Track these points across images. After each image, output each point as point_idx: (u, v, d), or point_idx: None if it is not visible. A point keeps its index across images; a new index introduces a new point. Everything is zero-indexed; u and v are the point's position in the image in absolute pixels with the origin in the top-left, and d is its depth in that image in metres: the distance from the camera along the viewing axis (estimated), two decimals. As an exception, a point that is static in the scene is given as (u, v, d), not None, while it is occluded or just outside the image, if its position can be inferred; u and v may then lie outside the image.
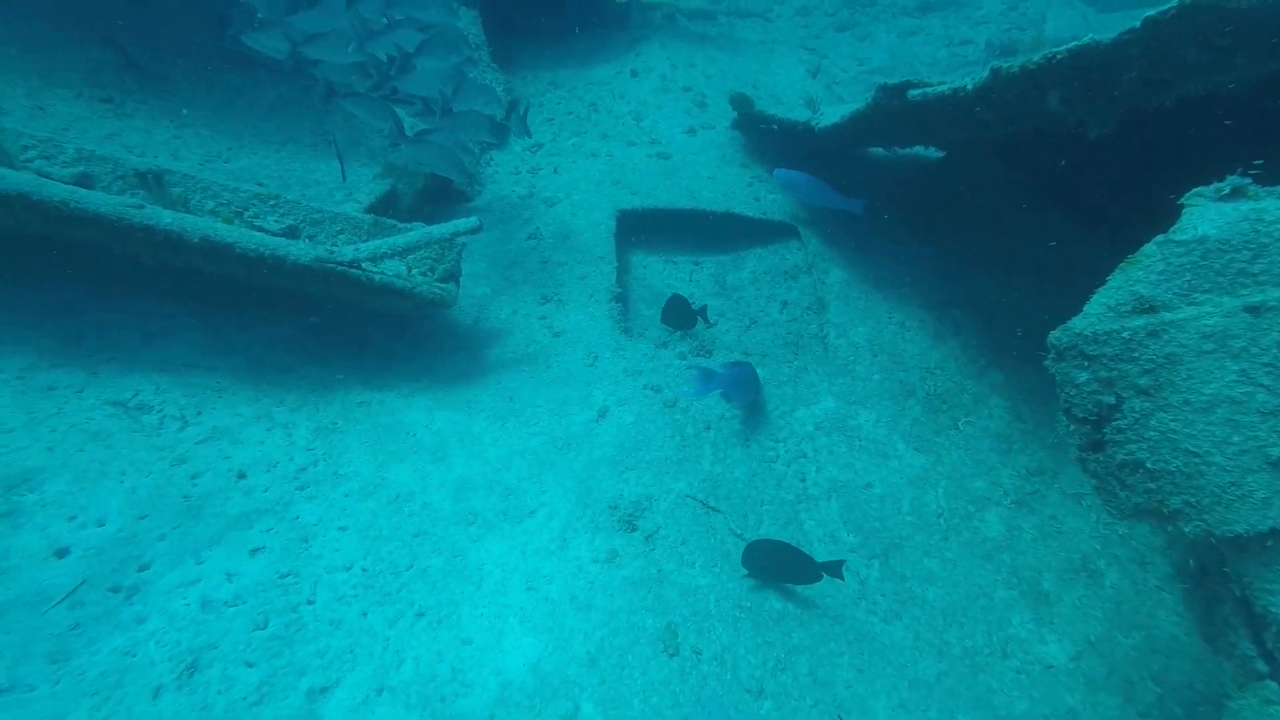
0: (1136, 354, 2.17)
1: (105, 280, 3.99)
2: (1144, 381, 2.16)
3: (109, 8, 4.91)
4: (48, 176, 3.53)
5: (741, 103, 5.50)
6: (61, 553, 2.97)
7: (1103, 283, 2.41)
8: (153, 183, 3.67)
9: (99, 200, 3.30)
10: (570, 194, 5.53)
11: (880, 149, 5.57)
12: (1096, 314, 2.25)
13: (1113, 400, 2.21)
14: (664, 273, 5.40)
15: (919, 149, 5.66)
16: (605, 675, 3.01)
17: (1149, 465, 2.15)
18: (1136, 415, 2.18)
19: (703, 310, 4.64)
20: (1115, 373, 2.20)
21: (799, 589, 3.46)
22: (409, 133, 4.33)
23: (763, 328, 4.91)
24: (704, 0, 7.71)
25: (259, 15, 4.07)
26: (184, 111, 4.83)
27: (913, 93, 3.36)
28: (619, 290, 4.93)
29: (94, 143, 4.19)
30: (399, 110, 4.26)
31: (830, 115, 4.46)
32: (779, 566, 3.40)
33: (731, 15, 7.88)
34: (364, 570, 3.27)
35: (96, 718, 2.59)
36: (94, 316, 3.95)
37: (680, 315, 4.59)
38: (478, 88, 4.38)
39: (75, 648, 2.75)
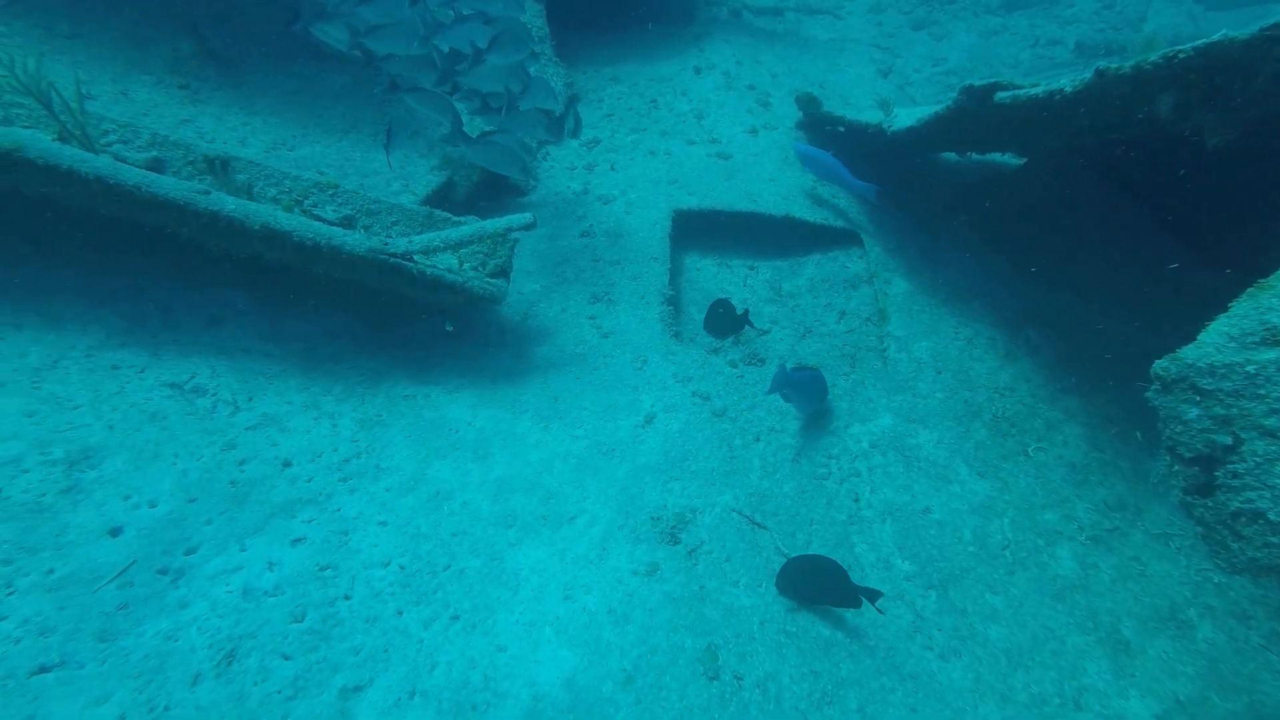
0: (1264, 391, 1.92)
1: (173, 265, 4.08)
2: (1271, 422, 1.91)
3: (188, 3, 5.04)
4: (124, 160, 3.61)
5: (808, 103, 5.29)
6: (115, 531, 3.02)
7: (1209, 309, 2.16)
8: (219, 169, 3.73)
9: (168, 185, 3.35)
10: (626, 192, 5.43)
11: (954, 154, 5.28)
12: (1214, 344, 2.01)
13: (1229, 441, 1.97)
14: (718, 276, 5.25)
15: (995, 155, 5.35)
16: (642, 695, 2.90)
17: (1271, 516, 1.91)
18: (1259, 459, 1.93)
19: (745, 314, 4.46)
20: (1235, 410, 1.96)
21: (848, 616, 3.28)
22: (468, 130, 4.29)
23: (818, 338, 4.71)
24: (774, -6, 7.49)
25: (327, 6, 4.09)
26: (255, 101, 4.91)
27: (1001, 95, 3.12)
28: (671, 292, 4.80)
29: (169, 128, 4.30)
30: (458, 105, 4.23)
31: (905, 118, 4.23)
32: (815, 586, 3.22)
33: (800, 11, 7.63)
34: (401, 568, 3.24)
35: (138, 700, 2.62)
36: (159, 299, 4.04)
37: (724, 323, 4.43)
38: (540, 85, 4.31)
39: (122, 628, 2.79)
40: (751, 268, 5.22)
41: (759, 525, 3.55)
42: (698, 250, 5.37)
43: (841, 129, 5.14)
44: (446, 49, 4.14)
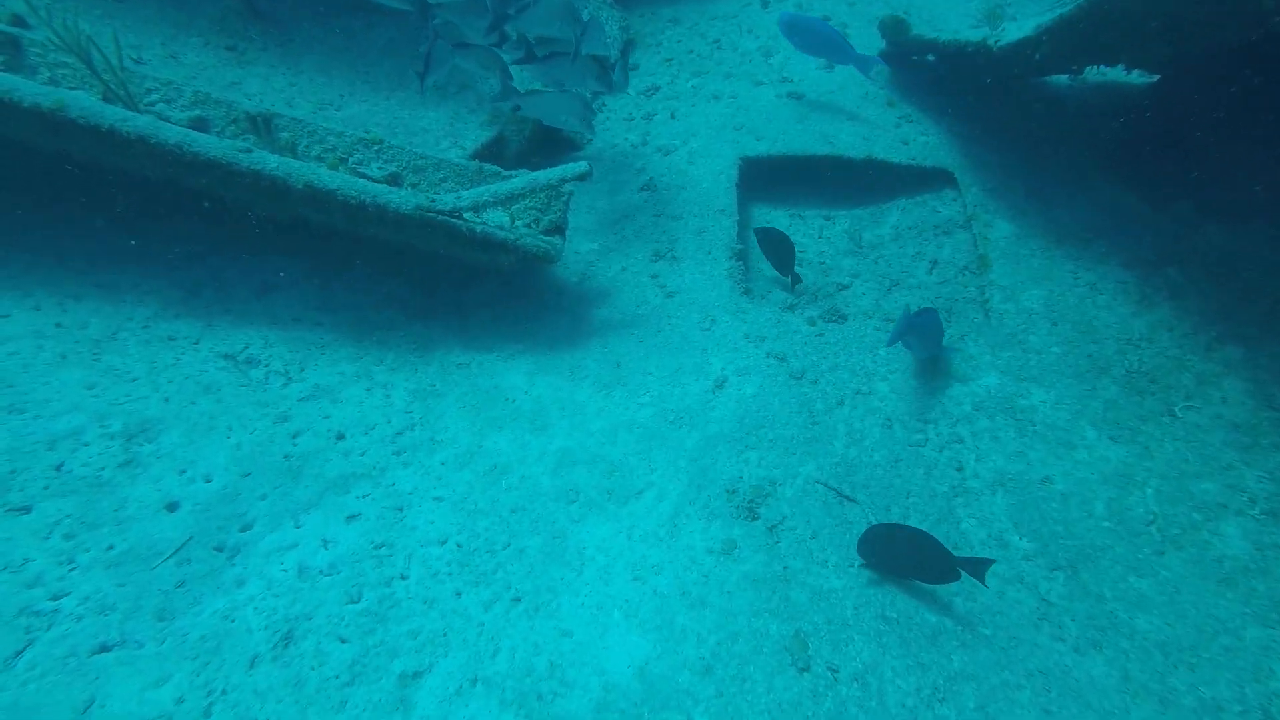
0: None
1: (228, 232, 3.97)
2: None
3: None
4: (166, 120, 3.47)
5: (894, 28, 4.71)
6: (172, 506, 2.93)
7: None
8: (262, 127, 3.54)
9: (210, 144, 3.19)
10: (688, 141, 5.01)
11: (1065, 77, 4.60)
12: None
13: None
14: (790, 228, 4.80)
15: (1114, 74, 4.64)
16: (723, 687, 2.61)
17: None
18: None
19: (797, 276, 4.05)
20: None
21: (957, 603, 2.89)
22: (517, 84, 3.97)
23: (907, 290, 4.23)
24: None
25: None
26: (301, 59, 4.72)
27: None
28: (740, 247, 4.41)
29: (214, 88, 4.15)
30: (505, 57, 3.91)
31: (1016, 30, 3.64)
32: (904, 557, 2.83)
33: None
34: (458, 546, 3.04)
35: (196, 682, 2.51)
36: (214, 267, 3.94)
37: (781, 251, 4.01)
38: (593, 28, 3.94)
39: (180, 606, 2.69)
40: (827, 218, 4.75)
41: (847, 498, 3.18)
42: (768, 201, 4.93)
43: (931, 58, 4.56)
44: None
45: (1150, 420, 3.36)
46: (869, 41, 5.47)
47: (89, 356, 3.33)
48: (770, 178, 4.84)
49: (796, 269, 4.23)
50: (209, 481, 3.04)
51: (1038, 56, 3.51)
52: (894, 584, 2.94)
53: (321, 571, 2.84)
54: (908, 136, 4.71)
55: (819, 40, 4.31)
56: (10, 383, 3.13)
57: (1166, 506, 3.09)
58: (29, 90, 3.02)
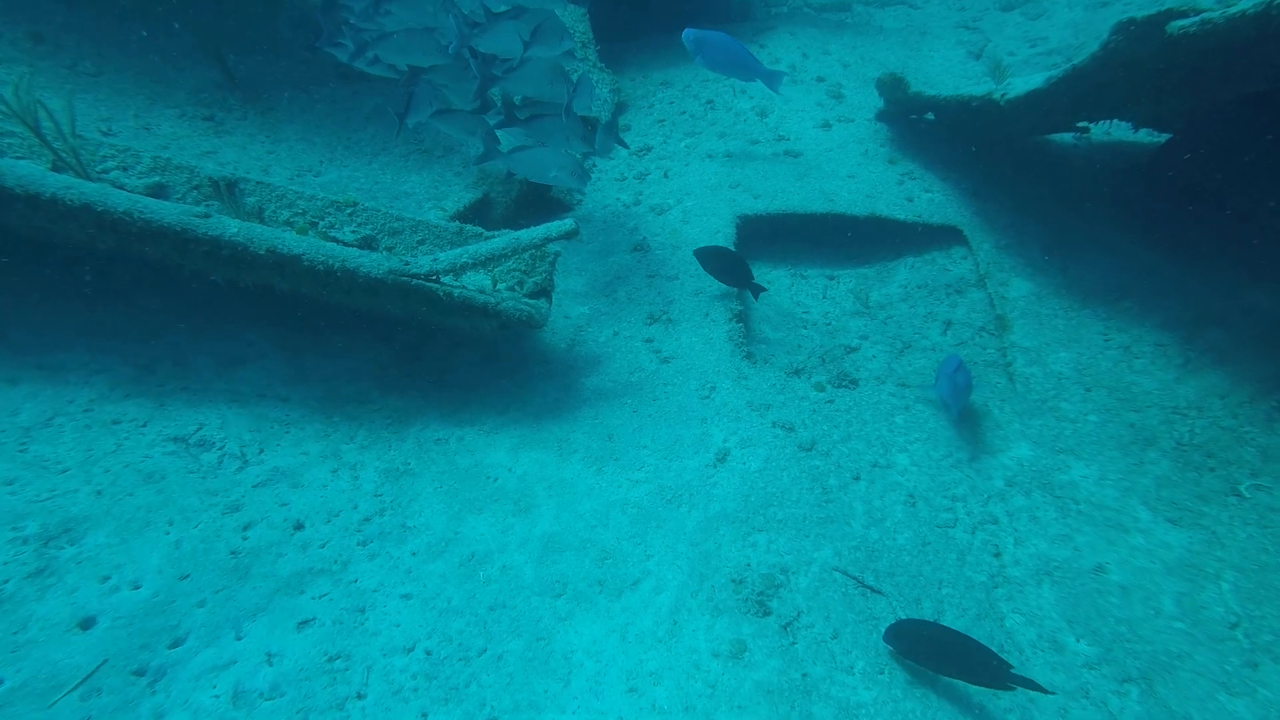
0: None
1: (191, 305, 3.71)
2: None
3: (216, 28, 4.81)
4: (121, 187, 3.26)
5: (892, 86, 4.60)
6: (87, 623, 2.53)
7: None
8: (225, 191, 3.33)
9: (164, 210, 2.95)
10: (682, 200, 4.83)
11: (1070, 136, 4.46)
12: None
13: None
14: (793, 288, 4.56)
15: (1120, 133, 4.49)
16: (733, 837, 2.16)
17: None
18: None
19: (756, 288, 3.84)
20: None
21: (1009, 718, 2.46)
22: (503, 146, 3.80)
23: (920, 353, 3.93)
24: (837, -8, 6.87)
25: (349, 22, 3.72)
26: (282, 128, 4.59)
27: (1177, 25, 2.35)
28: (739, 308, 4.14)
29: (186, 156, 3.97)
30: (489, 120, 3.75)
31: (1023, 84, 3.47)
32: (944, 653, 2.41)
33: (869, 5, 6.98)
34: (427, 654, 2.63)
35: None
36: (173, 343, 3.65)
37: (728, 267, 3.78)
38: (584, 85, 3.79)
39: (83, 747, 2.26)
40: (831, 277, 4.51)
41: (871, 589, 2.79)
42: (767, 260, 4.70)
43: (930, 116, 4.42)
44: (481, 53, 3.67)
45: (1213, 501, 2.99)
46: (865, 101, 5.39)
47: (14, 448, 3.00)
48: (769, 236, 4.63)
49: (801, 330, 3.96)
50: (137, 589, 2.65)
51: (1047, 109, 3.33)
52: (935, 691, 2.51)
53: (261, 695, 2.43)
54: (912, 193, 4.53)
55: (727, 57, 4.14)
56: None
57: (1251, 606, 2.67)
58: (-32, 158, 2.80)
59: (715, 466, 3.36)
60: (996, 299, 3.91)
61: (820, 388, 3.64)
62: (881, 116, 5.08)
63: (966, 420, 3.42)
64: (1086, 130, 4.23)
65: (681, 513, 3.18)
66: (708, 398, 3.72)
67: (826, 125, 5.18)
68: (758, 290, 3.97)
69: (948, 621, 2.65)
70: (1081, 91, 3.16)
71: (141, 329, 3.64)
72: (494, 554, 3.04)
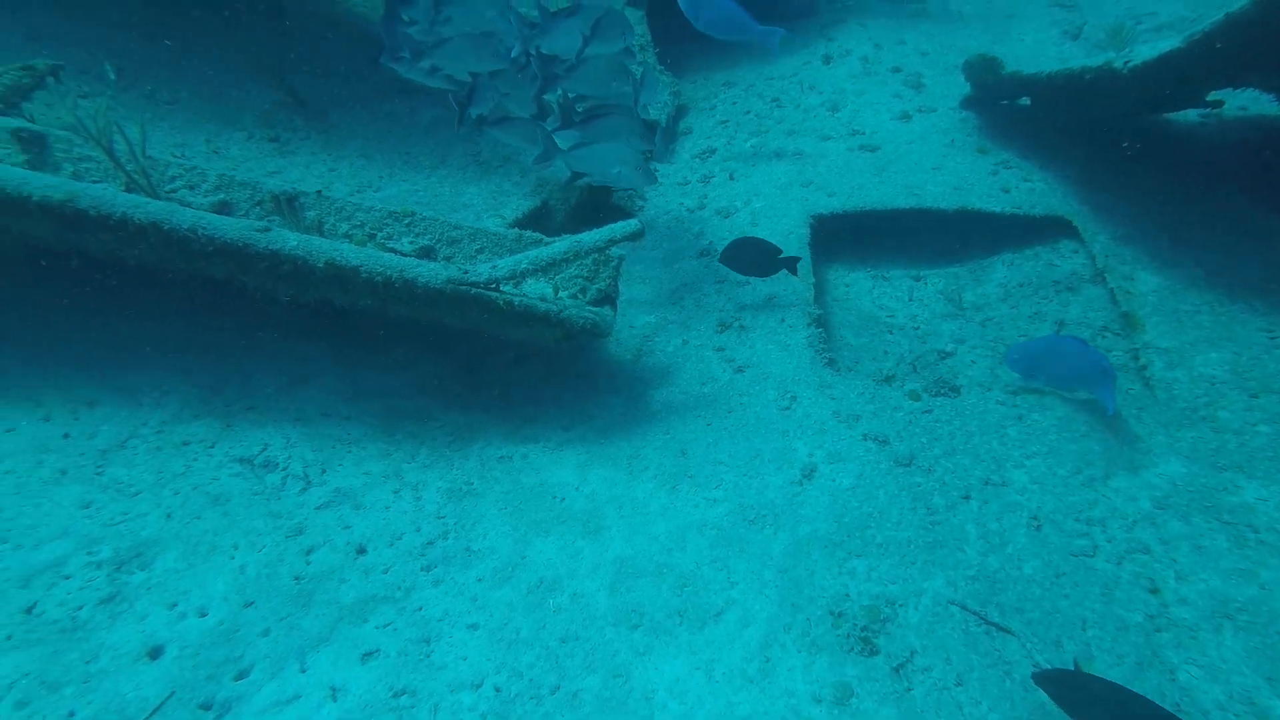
0: None
1: (256, 321, 3.68)
2: None
3: (281, 51, 4.87)
4: (187, 205, 3.25)
5: (982, 69, 4.24)
6: (155, 653, 2.44)
7: None
8: (286, 206, 3.28)
9: (226, 225, 2.90)
10: (750, 201, 4.58)
11: (1194, 113, 3.98)
12: None
13: None
14: (874, 291, 4.23)
15: (1257, 108, 3.98)
16: None
17: None
18: None
19: (791, 261, 3.62)
20: None
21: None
22: (562, 143, 3.64)
23: (1026, 356, 3.53)
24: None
25: (409, 37, 3.66)
26: (344, 145, 4.59)
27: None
28: (818, 312, 3.84)
29: (251, 175, 3.99)
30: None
31: (1151, 49, 3.07)
32: (1112, 714, 2.04)
33: None
34: (496, 690, 2.43)
35: None
36: (240, 362, 3.62)
37: (758, 260, 3.57)
38: (650, 81, 3.61)
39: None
40: (917, 278, 4.16)
41: (998, 628, 2.43)
42: (844, 261, 4.39)
43: (1027, 100, 4.03)
44: (542, 53, 3.54)
45: None
46: (948, 90, 5.03)
47: (91, 471, 2.98)
48: (846, 236, 4.32)
49: (885, 335, 3.63)
50: (203, 616, 2.55)
51: (1180, 75, 2.90)
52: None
53: (324, 732, 2.27)
54: (1008, 184, 4.14)
55: (723, 17, 3.82)
56: None
57: None
58: (39, 183, 2.81)
59: (801, 484, 3.07)
60: (1120, 295, 3.48)
61: (915, 396, 3.30)
62: (968, 104, 4.71)
63: (1094, 429, 3.02)
64: (1219, 105, 3.75)
65: (766, 535, 2.90)
66: (788, 409, 3.44)
67: (906, 116, 4.84)
68: (794, 263, 3.72)
69: (1100, 671, 2.27)
70: (1234, 48, 2.72)
71: (211, 349, 3.63)
72: (563, 580, 2.83)
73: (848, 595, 2.60)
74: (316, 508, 2.99)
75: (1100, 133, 3.92)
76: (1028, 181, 4.13)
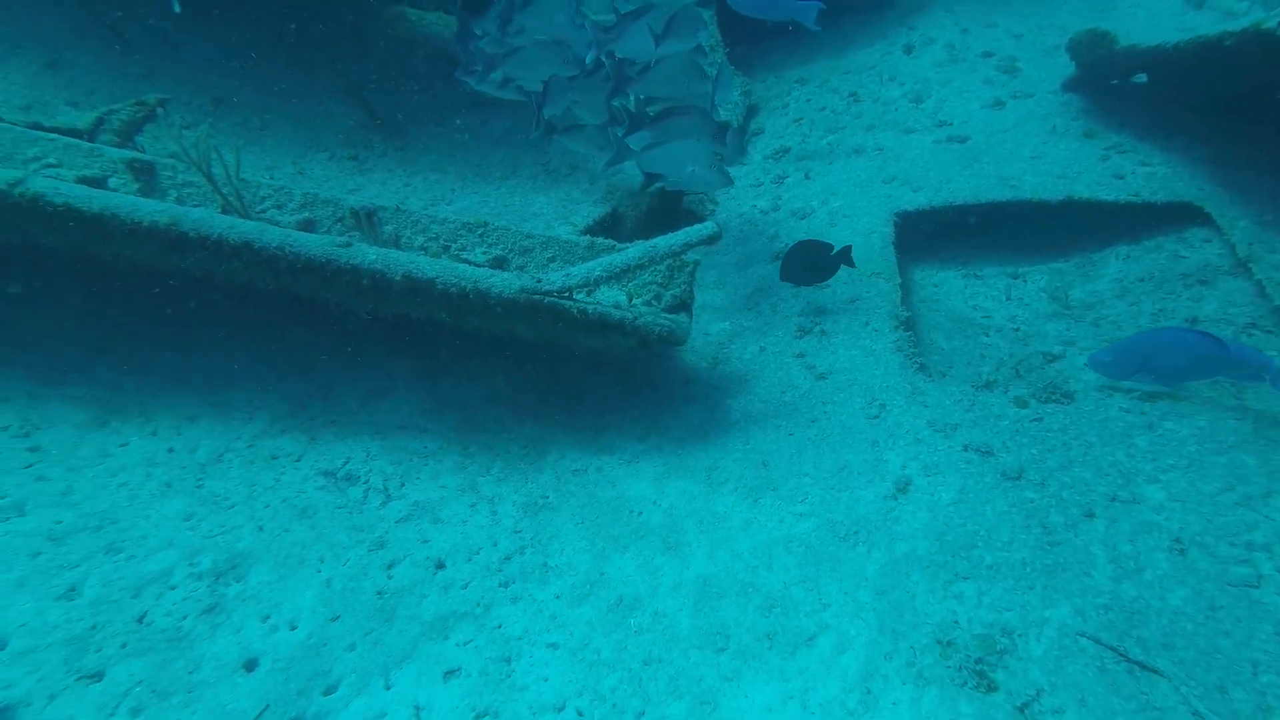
0: None
1: (338, 337, 3.77)
2: None
3: (361, 72, 5.02)
4: (275, 224, 3.35)
5: (1091, 45, 3.90)
6: (250, 665, 2.47)
7: None
8: (365, 221, 3.33)
9: (310, 242, 2.96)
10: (828, 200, 4.39)
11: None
12: None
13: None
14: (966, 290, 3.96)
15: None
16: None
17: None
18: None
19: (845, 252, 3.45)
20: None
21: None
22: (634, 144, 3.56)
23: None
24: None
25: (483, 51, 3.69)
26: (417, 160, 4.68)
27: None
28: (906, 314, 3.61)
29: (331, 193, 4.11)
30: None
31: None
32: None
33: None
34: (579, 714, 2.34)
35: None
36: (324, 376, 3.71)
37: (812, 263, 3.43)
38: (724, 81, 3.50)
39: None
40: (1015, 275, 3.86)
41: (1144, 667, 2.15)
42: (933, 260, 4.13)
43: (1144, 77, 3.67)
44: (618, 55, 3.48)
45: None
46: (1047, 73, 4.68)
47: (193, 483, 3.09)
48: (935, 233, 4.06)
49: (982, 337, 3.37)
50: (294, 629, 2.58)
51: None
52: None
53: (407, 753, 2.23)
54: (1122, 169, 3.78)
55: None
56: (115, 518, 2.90)
57: None
58: (148, 209, 2.95)
59: (895, 498, 2.86)
60: (1272, 287, 3.09)
61: (1022, 403, 3.02)
62: (1072, 86, 4.36)
63: (1245, 440, 2.67)
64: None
65: (859, 553, 2.71)
66: (877, 417, 3.23)
67: (999, 103, 4.54)
68: (848, 253, 3.57)
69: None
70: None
71: (297, 364, 3.73)
72: (644, 599, 2.72)
73: (956, 622, 2.38)
74: (396, 521, 2.99)
75: (1240, 107, 3.52)
76: (1146, 166, 3.76)
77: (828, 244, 3.56)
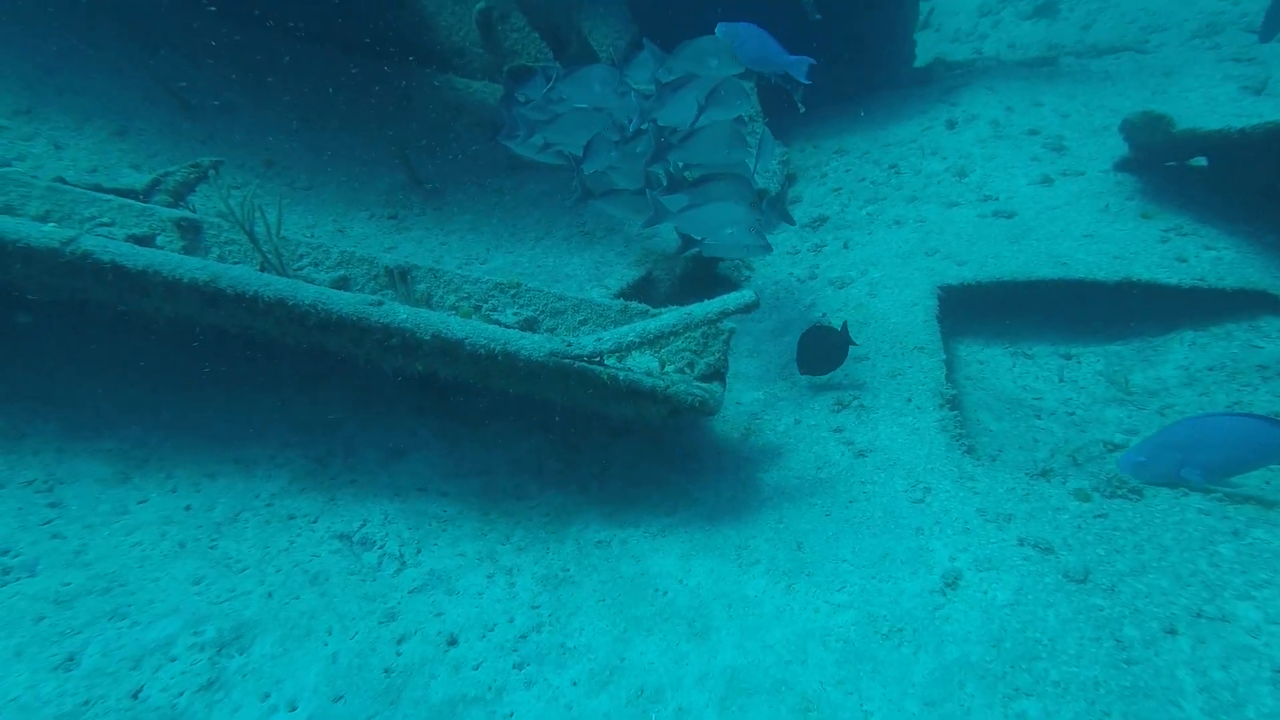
0: None
1: (363, 393, 3.73)
2: None
3: (407, 134, 5.16)
4: (312, 281, 3.36)
5: (1147, 127, 3.83)
6: (243, 747, 2.31)
7: None
8: (399, 279, 3.33)
9: (343, 300, 2.94)
10: (867, 271, 4.29)
11: None
12: None
13: None
14: (1015, 369, 3.78)
15: None
16: None
17: None
18: None
19: (844, 329, 3.48)
20: None
21: None
22: (672, 206, 3.54)
23: (1220, 451, 2.95)
24: (1038, 47, 6.19)
25: (526, 116, 3.76)
26: (454, 220, 4.74)
27: None
28: (951, 391, 3.44)
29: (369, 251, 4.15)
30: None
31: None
32: None
33: (1082, 56, 6.20)
34: (590, 826, 2.11)
35: None
36: (347, 435, 3.65)
37: (825, 352, 3.41)
38: (766, 147, 3.50)
39: None
40: (1067, 356, 3.68)
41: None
42: (977, 337, 3.98)
43: (1204, 160, 3.56)
44: (660, 122, 3.51)
45: None
46: (1097, 152, 4.59)
47: (206, 544, 3.01)
48: (979, 309, 3.92)
49: (1033, 420, 3.18)
50: (293, 710, 2.42)
51: None
52: None
53: None
54: (1184, 252, 3.63)
55: (758, 47, 3.53)
56: (124, 580, 2.82)
57: None
58: (188, 266, 2.98)
59: (944, 593, 2.64)
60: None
61: (1084, 496, 2.79)
62: (1124, 166, 4.27)
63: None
64: None
65: (905, 654, 2.47)
66: (921, 501, 3.03)
67: (1047, 180, 4.45)
68: (847, 334, 3.53)
69: None
70: None
71: (321, 421, 3.68)
72: (667, 690, 2.51)
73: (1019, 747, 2.12)
74: (410, 591, 2.85)
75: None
76: (1210, 250, 3.60)
77: (831, 326, 3.52)
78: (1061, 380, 3.52)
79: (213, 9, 5.21)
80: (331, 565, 2.95)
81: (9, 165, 3.79)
